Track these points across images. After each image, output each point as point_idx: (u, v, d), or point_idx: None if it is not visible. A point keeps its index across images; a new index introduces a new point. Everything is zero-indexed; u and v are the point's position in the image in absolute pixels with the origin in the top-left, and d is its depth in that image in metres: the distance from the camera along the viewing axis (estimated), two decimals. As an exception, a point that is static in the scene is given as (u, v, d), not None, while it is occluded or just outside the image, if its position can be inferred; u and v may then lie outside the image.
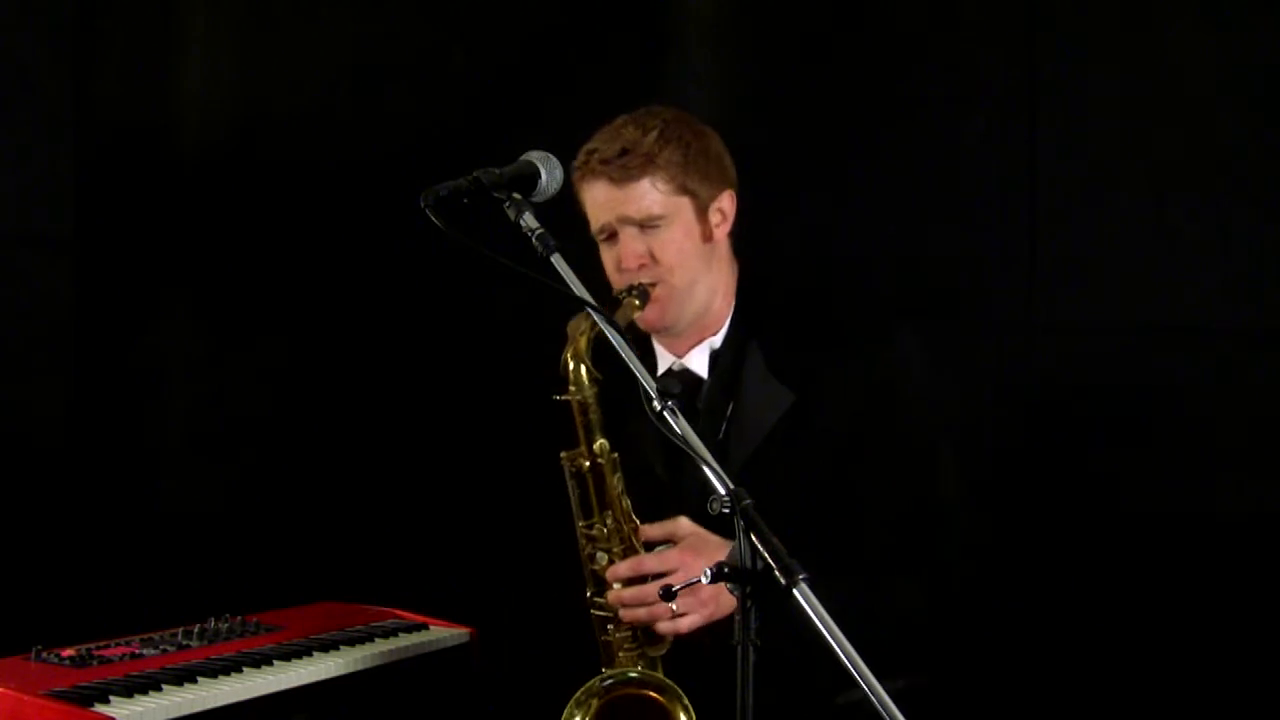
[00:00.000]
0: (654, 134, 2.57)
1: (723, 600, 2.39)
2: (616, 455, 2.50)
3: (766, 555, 1.90)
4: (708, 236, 2.63)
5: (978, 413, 3.24)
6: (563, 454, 2.51)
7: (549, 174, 2.34)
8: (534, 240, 2.25)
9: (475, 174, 2.30)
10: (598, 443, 2.49)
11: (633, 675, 2.45)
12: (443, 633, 2.93)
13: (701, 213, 2.62)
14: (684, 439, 2.06)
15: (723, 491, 1.97)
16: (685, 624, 2.41)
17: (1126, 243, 3.23)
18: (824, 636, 1.84)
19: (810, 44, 3.48)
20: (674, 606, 2.37)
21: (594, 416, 2.49)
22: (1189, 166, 3.19)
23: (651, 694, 2.42)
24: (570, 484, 2.51)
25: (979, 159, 3.34)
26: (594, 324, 2.40)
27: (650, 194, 2.57)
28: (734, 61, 3.56)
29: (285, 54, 3.96)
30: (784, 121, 3.28)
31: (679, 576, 2.34)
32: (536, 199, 2.33)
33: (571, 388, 2.48)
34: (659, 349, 2.71)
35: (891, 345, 2.61)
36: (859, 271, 3.40)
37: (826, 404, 2.55)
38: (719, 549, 2.31)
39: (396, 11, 3.89)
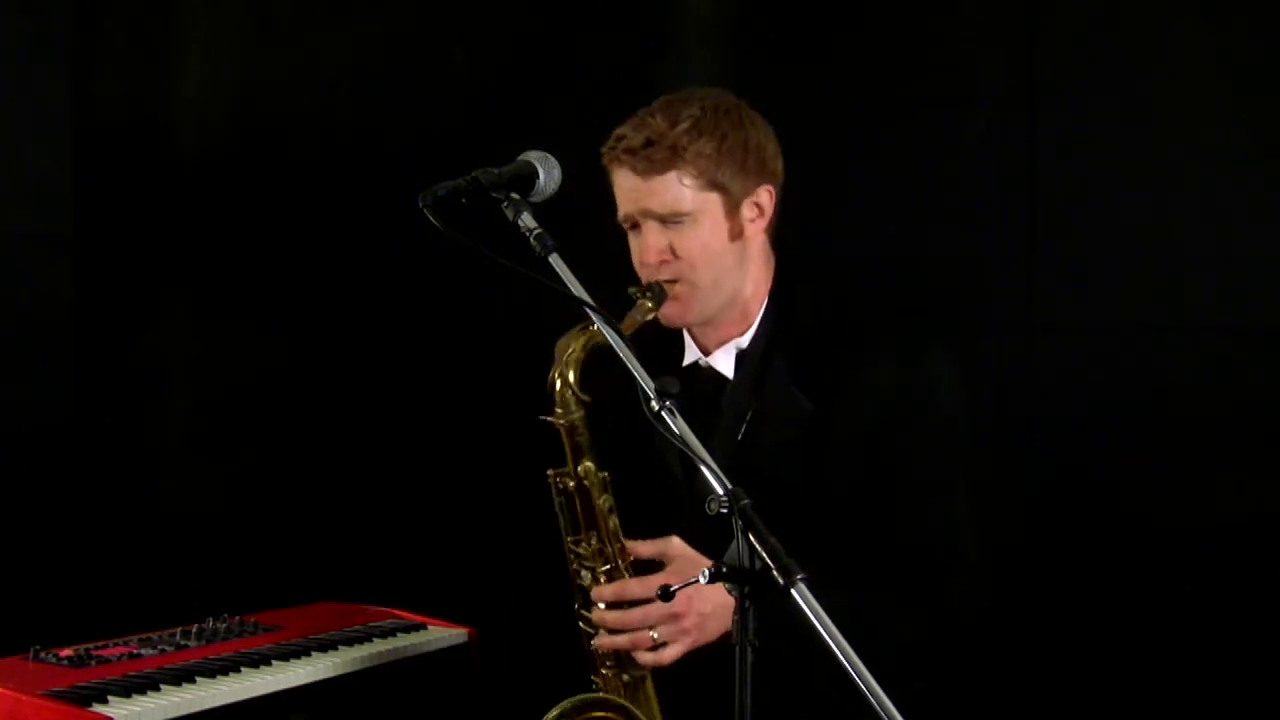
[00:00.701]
0: (685, 124, 2.43)
1: (707, 626, 2.34)
2: (605, 475, 2.44)
3: (765, 555, 1.87)
4: (738, 234, 2.49)
5: (978, 413, 3.23)
6: (549, 471, 2.46)
7: (547, 174, 2.32)
8: (532, 240, 2.22)
9: (474, 174, 2.27)
10: (583, 465, 2.43)
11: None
12: (441, 633, 2.92)
13: (733, 209, 2.47)
14: (682, 439, 2.03)
15: (720, 492, 1.94)
16: (668, 656, 2.36)
17: (1126, 243, 3.23)
18: (822, 636, 1.83)
19: (810, 44, 3.48)
20: (654, 635, 2.34)
21: (581, 439, 2.43)
22: (1189, 166, 3.18)
23: (612, 716, 2.40)
24: (557, 501, 2.46)
25: (979, 159, 3.33)
26: (584, 344, 2.38)
27: (675, 188, 2.43)
28: (734, 61, 3.55)
29: (285, 54, 3.96)
30: (784, 122, 3.28)
31: (674, 580, 2.30)
32: (535, 199, 2.30)
33: (558, 410, 2.42)
34: (688, 343, 2.61)
35: (918, 364, 2.48)
36: (859, 272, 3.40)
37: (846, 419, 2.45)
38: None
39: (396, 12, 3.89)
